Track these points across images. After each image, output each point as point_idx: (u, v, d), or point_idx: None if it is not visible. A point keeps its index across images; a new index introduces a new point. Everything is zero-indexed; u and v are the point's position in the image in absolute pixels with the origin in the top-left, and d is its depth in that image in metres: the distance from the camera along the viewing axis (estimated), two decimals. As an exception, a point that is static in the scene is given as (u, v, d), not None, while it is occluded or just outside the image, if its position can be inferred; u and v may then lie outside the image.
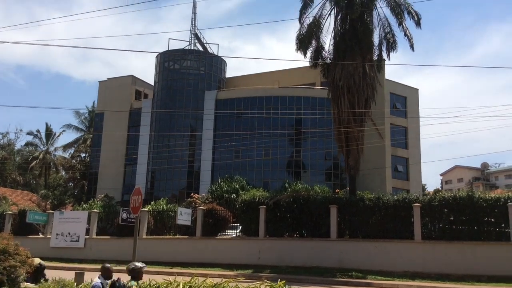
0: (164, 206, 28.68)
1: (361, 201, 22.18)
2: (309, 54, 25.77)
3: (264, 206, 23.19)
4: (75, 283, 11.09)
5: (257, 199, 23.89)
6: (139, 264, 9.28)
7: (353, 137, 24.03)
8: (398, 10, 24.71)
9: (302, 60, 34.58)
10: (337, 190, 34.17)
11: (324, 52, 26.09)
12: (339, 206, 22.16)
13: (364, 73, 24.28)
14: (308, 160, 46.03)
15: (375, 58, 25.68)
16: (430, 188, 69.21)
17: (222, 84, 52.13)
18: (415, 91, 51.20)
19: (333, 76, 24.62)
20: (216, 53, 54.21)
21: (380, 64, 26.23)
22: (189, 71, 51.52)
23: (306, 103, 46.01)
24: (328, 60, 25.97)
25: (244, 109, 46.89)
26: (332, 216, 21.95)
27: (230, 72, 55.91)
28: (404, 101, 49.50)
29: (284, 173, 45.36)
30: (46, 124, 71.54)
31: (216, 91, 49.94)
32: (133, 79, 55.52)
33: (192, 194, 34.70)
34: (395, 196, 22.50)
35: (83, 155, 61.14)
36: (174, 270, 21.19)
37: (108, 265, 9.86)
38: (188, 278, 10.45)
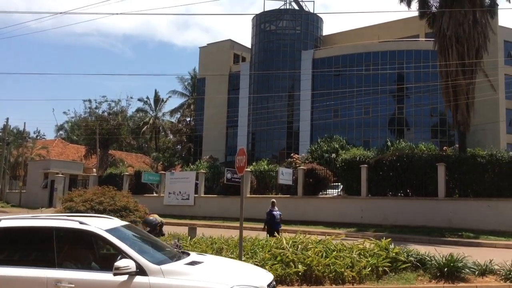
0: (266, 166, 29.40)
1: (472, 158, 20.83)
2: (414, 4, 24.34)
3: (366, 165, 22.80)
4: (189, 237, 11.96)
5: (358, 158, 23.54)
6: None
7: (461, 90, 22.42)
8: None
9: (404, 11, 32.60)
10: (444, 147, 32.34)
11: (429, 1, 24.42)
12: (447, 164, 21.10)
13: (475, 21, 22.31)
14: (411, 117, 44.00)
15: (487, 2, 23.39)
16: (552, 144, 62.62)
17: (319, 43, 51.09)
18: (534, 36, 45.94)
19: (440, 26, 22.90)
20: (312, 11, 53.01)
21: (493, 10, 23.90)
22: (285, 32, 51.14)
23: (409, 57, 43.52)
24: (434, 9, 24.23)
25: (343, 67, 45.66)
26: (440, 174, 20.98)
27: (326, 30, 54.60)
28: (521, 49, 44.77)
29: (386, 132, 43.90)
30: (155, 90, 75.57)
31: (313, 50, 49.14)
32: (231, 43, 56.52)
33: (292, 154, 35.11)
34: (511, 153, 20.82)
35: (188, 119, 64.24)
36: (278, 227, 21.82)
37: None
38: (292, 235, 10.76)
